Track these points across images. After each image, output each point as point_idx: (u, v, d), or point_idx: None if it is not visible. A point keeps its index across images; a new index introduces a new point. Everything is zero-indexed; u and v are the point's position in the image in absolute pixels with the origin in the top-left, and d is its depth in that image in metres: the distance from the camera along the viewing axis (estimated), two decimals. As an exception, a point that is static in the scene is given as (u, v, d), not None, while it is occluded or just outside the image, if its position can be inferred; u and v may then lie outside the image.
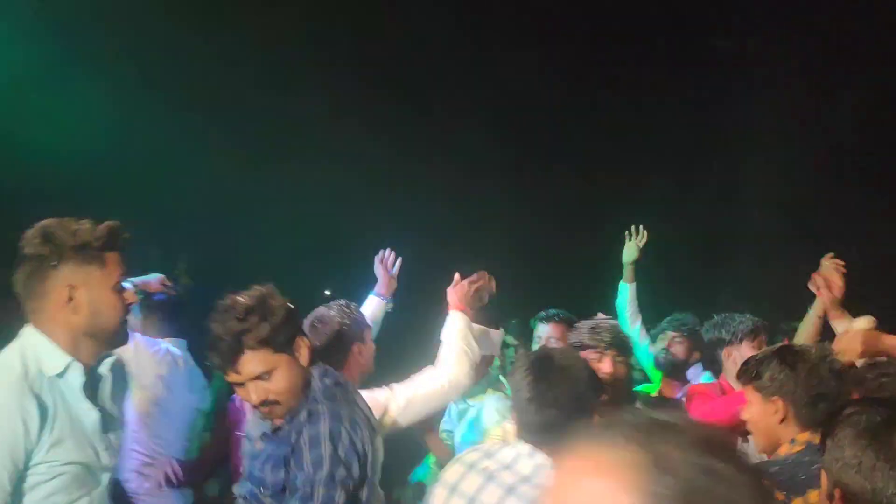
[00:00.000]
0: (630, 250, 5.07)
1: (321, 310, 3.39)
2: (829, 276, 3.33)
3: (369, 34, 7.21)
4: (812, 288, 3.38)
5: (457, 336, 3.26)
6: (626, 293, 4.99)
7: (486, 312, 3.78)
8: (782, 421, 2.66)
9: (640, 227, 5.10)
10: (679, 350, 4.74)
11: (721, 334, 4.21)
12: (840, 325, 3.28)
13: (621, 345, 3.41)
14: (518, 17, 7.46)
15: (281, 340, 2.59)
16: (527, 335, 5.10)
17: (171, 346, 4.11)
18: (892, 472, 1.60)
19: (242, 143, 7.12)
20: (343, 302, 3.47)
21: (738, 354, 4.13)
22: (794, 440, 2.63)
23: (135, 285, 3.91)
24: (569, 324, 4.50)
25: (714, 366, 4.48)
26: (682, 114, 7.63)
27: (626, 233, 5.10)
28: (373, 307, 3.94)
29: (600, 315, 4.50)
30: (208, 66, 6.86)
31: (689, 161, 7.83)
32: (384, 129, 7.23)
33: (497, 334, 3.81)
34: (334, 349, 3.27)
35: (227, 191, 6.81)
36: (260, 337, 2.55)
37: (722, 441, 1.08)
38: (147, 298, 4.10)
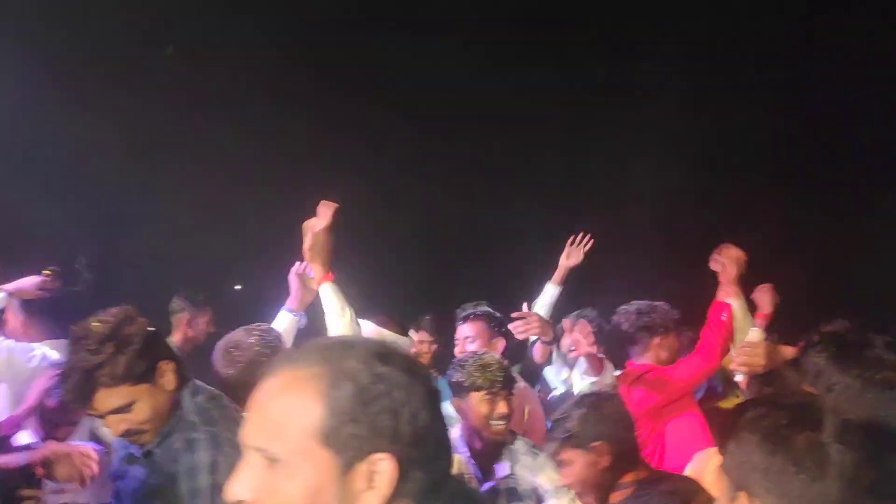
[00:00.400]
0: (573, 255, 4.89)
1: (238, 334, 3.07)
2: (731, 253, 3.45)
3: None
4: (713, 265, 3.50)
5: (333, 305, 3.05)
6: (551, 295, 4.83)
7: (395, 320, 3.73)
8: (609, 466, 2.69)
9: (586, 235, 4.93)
10: None
11: (654, 321, 4.12)
12: (734, 302, 3.46)
13: (511, 383, 3.34)
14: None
15: (139, 372, 2.39)
16: (441, 329, 4.87)
17: (48, 351, 3.77)
18: (800, 475, 1.59)
19: (142, 130, 6.58)
20: (264, 327, 3.19)
21: (666, 344, 4.11)
22: (621, 484, 2.66)
23: (8, 293, 3.70)
24: (488, 319, 4.32)
25: (615, 359, 4.39)
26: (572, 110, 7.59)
27: (571, 239, 4.92)
28: (285, 324, 3.66)
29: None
30: (105, 58, 6.37)
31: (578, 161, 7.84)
32: (294, 108, 6.82)
33: (405, 341, 3.71)
34: (249, 380, 2.92)
35: (129, 179, 6.29)
36: (115, 373, 2.34)
37: (396, 352, 1.25)
38: (26, 302, 3.83)
